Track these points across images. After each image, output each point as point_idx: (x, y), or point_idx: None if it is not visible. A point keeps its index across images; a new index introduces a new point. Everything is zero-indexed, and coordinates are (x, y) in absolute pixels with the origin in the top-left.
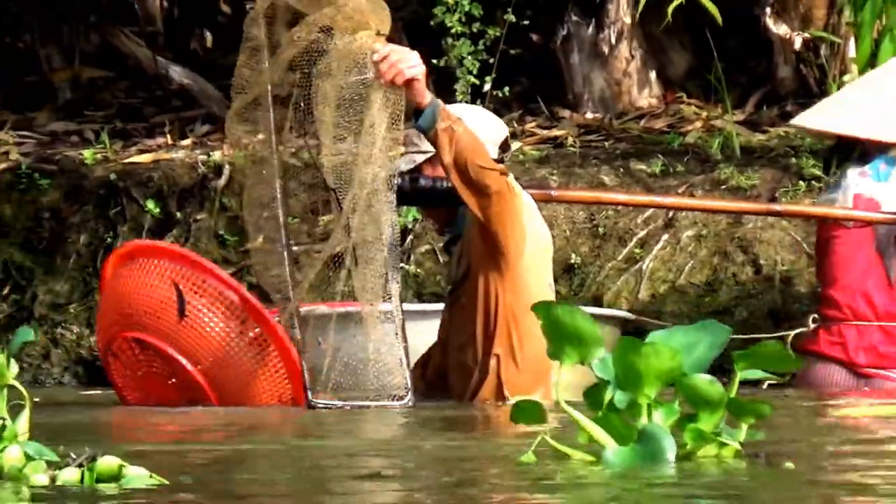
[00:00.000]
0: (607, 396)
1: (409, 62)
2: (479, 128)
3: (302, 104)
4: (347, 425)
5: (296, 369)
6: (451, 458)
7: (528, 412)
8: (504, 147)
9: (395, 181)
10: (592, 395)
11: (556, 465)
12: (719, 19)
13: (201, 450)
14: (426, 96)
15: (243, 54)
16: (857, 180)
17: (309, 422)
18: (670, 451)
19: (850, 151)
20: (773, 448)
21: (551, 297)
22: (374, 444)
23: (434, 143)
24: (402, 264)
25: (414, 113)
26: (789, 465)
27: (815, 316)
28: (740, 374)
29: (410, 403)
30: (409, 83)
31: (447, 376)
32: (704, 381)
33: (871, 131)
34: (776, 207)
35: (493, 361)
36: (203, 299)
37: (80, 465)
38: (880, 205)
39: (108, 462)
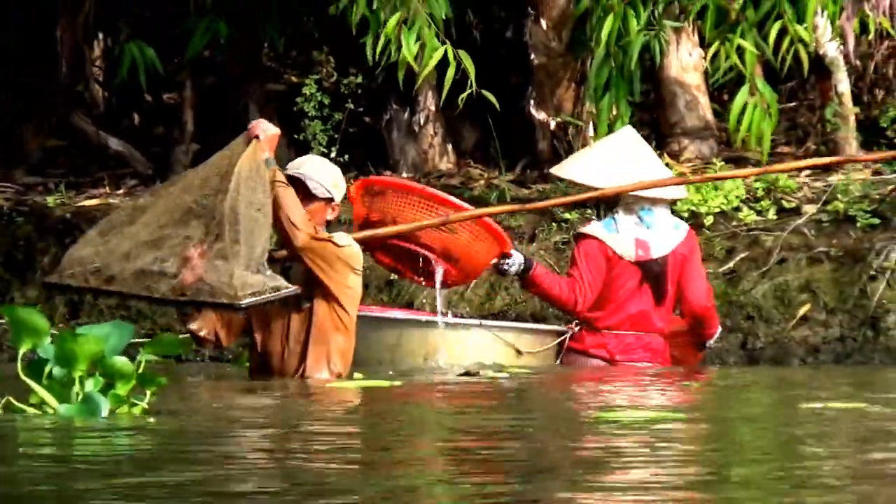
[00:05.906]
0: (46, 370)
1: (262, 127)
2: (317, 174)
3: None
4: None
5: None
6: None
7: None
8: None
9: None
10: (34, 370)
11: (15, 418)
12: (497, 106)
13: None
14: (266, 153)
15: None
16: (634, 228)
17: None
18: (104, 408)
19: (614, 202)
20: (180, 408)
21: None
22: None
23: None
24: None
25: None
26: (151, 420)
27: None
28: (143, 356)
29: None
30: (256, 137)
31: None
32: (120, 361)
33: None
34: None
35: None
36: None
37: None
38: (650, 247)
39: None
